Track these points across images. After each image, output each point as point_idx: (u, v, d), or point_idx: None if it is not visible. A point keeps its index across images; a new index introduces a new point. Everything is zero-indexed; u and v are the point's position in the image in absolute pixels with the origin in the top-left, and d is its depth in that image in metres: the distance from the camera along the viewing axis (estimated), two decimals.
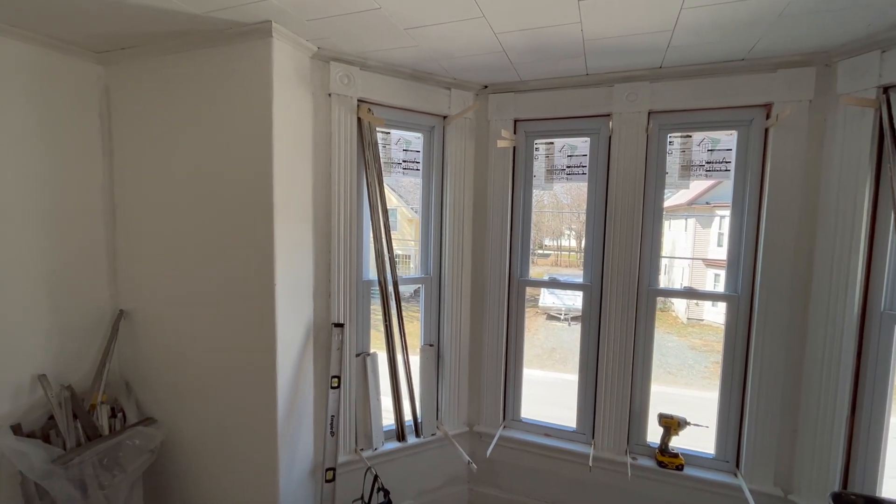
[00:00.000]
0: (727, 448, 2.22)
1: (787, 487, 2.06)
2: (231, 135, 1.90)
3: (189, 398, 2.13)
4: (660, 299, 2.34)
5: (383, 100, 2.22)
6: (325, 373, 2.18)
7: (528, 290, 2.55)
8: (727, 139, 2.15)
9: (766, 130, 2.05)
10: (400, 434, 2.40)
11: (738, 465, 2.19)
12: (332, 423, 2.11)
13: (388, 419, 2.42)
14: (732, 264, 2.19)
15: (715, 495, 2.17)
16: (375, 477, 2.09)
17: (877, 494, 1.82)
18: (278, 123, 1.86)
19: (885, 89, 1.76)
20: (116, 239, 2.22)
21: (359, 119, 2.17)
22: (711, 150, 2.18)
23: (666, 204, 2.31)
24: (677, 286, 8.21)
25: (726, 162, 2.15)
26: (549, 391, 2.32)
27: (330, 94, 2.08)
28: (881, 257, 1.81)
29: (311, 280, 2.14)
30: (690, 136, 2.20)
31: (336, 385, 2.13)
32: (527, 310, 2.59)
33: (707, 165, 2.19)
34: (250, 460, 2.02)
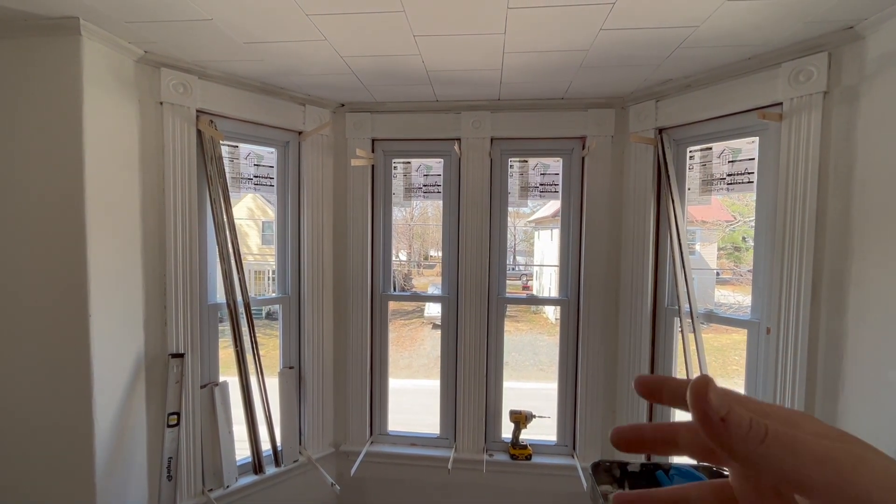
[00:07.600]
0: (565, 433, 2.53)
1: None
2: (31, 141, 1.62)
3: None
4: (532, 306, 2.58)
5: (229, 112, 2.10)
6: (162, 410, 1.95)
7: (416, 302, 2.60)
8: (555, 165, 2.49)
9: (583, 159, 2.43)
10: (257, 466, 2.25)
11: (574, 447, 2.51)
12: (169, 466, 1.89)
13: (245, 451, 2.26)
14: (563, 273, 2.54)
15: (557, 477, 2.45)
16: None
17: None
18: (92, 131, 1.64)
19: (660, 131, 2.23)
20: None
21: (199, 131, 2.02)
22: (543, 174, 2.50)
23: (535, 216, 2.56)
24: (546, 292, 9.11)
25: (555, 185, 2.49)
26: (436, 399, 2.44)
27: (162, 103, 1.90)
28: (663, 264, 2.27)
29: (142, 307, 1.90)
30: (527, 161, 2.51)
31: (174, 423, 1.92)
32: (413, 320, 2.63)
33: (541, 187, 2.51)
34: None
